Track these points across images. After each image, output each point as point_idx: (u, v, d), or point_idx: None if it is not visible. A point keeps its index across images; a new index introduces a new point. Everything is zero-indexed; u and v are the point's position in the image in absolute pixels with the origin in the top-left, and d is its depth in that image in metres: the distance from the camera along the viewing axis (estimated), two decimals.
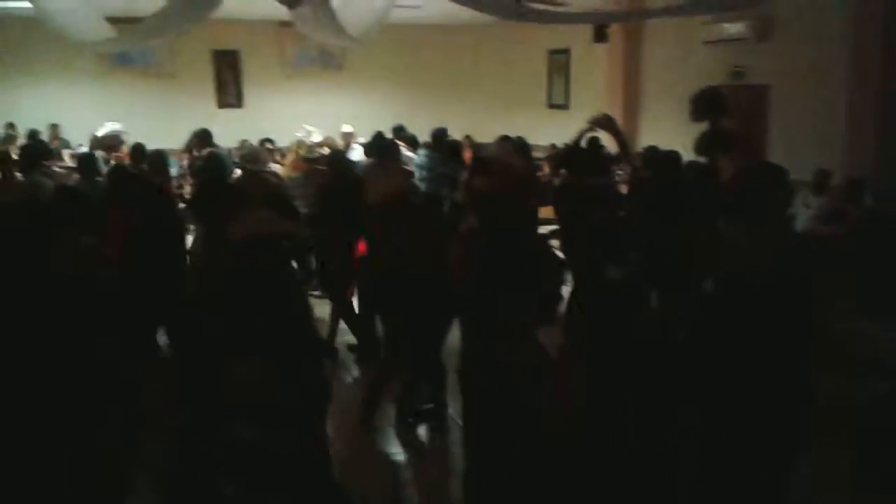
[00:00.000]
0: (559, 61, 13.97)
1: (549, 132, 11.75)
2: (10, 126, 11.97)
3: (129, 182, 5.68)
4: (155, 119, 12.38)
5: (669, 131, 10.48)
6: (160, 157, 7.62)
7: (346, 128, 10.81)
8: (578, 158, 5.97)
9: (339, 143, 10.56)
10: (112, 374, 3.17)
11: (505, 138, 8.74)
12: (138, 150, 8.25)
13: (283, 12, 6.71)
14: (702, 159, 8.36)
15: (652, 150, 7.85)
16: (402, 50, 14.48)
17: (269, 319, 3.07)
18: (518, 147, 8.29)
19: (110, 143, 9.41)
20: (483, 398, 3.40)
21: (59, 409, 2.95)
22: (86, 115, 12.07)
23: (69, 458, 2.97)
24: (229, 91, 14.54)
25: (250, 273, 3.16)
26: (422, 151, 8.93)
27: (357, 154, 9.95)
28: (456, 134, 10.33)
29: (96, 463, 3.07)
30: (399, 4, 7.73)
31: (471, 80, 15.02)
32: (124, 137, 9.72)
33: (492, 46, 14.73)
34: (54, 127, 12.06)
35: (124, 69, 13.55)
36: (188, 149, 9.58)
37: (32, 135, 11.15)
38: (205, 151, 8.26)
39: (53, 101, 12.64)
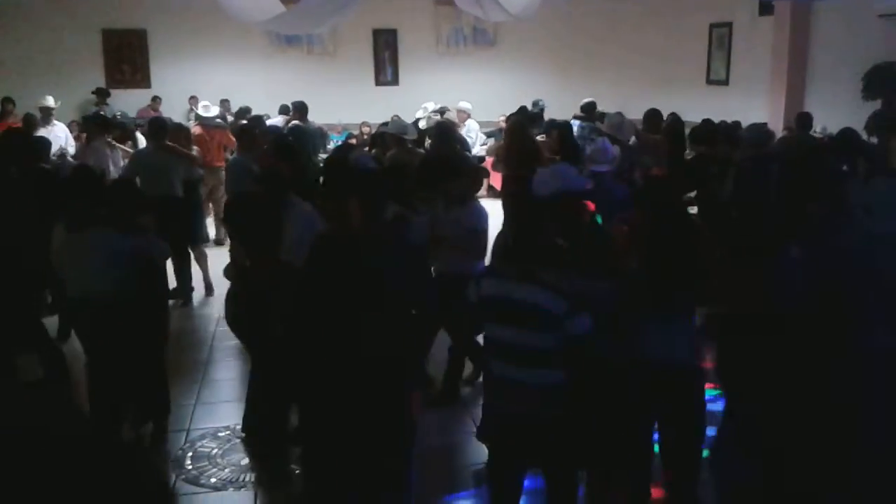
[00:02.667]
0: (720, 35, 13.43)
1: (706, 109, 11.36)
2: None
3: None
4: (317, 96, 12.95)
5: (839, 109, 9.89)
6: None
7: (463, 104, 11.00)
8: None
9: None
10: None
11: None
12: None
13: None
14: (873, 139, 7.93)
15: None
16: (556, 26, 14.36)
17: None
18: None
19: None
20: None
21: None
22: (256, 91, 12.86)
23: None
24: (386, 69, 15.00)
25: None
26: (575, 123, 9.17)
27: (473, 130, 10.31)
28: (609, 110, 10.18)
29: None
30: None
31: (626, 56, 14.70)
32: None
33: (649, 21, 14.35)
34: (224, 102, 12.88)
35: (292, 48, 14.30)
36: (287, 121, 10.21)
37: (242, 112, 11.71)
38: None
39: (228, 78, 13.50)
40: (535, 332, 3.15)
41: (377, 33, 14.75)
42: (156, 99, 13.21)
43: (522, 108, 8.85)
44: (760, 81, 12.02)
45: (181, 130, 8.24)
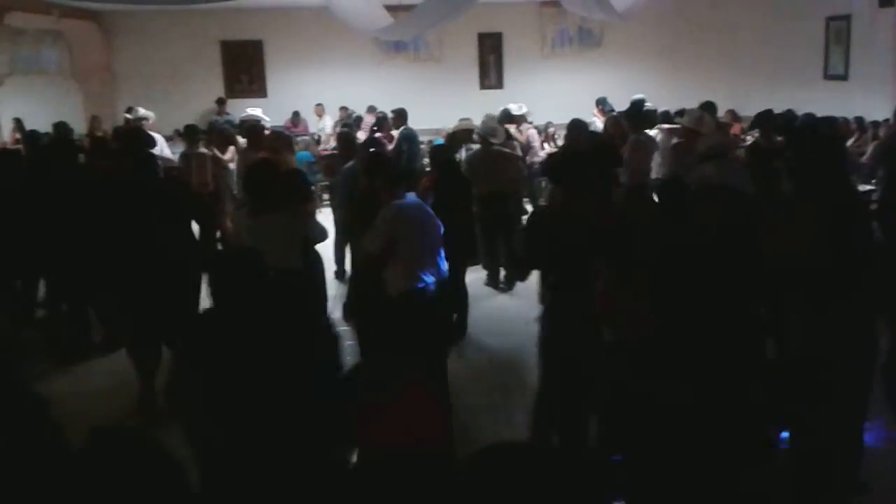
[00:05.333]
0: (838, 28, 12.90)
1: (824, 105, 10.95)
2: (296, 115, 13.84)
3: None
4: (423, 100, 13.19)
5: None
6: None
7: (513, 107, 10.84)
8: None
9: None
10: None
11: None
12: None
13: None
14: None
15: None
16: (664, 24, 14.13)
17: None
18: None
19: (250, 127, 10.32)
20: None
21: None
22: (365, 97, 13.22)
23: None
24: (491, 73, 15.12)
25: None
26: None
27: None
28: (720, 108, 9.92)
29: None
30: None
31: (738, 52, 14.30)
32: (264, 122, 10.53)
33: (762, 15, 13.93)
34: (343, 109, 13.31)
35: (399, 54, 14.63)
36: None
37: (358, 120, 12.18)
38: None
39: (338, 85, 13.95)
40: None
41: (482, 37, 14.89)
42: (296, 114, 13.77)
43: (636, 103, 8.68)
44: (882, 75, 11.49)
45: (281, 137, 8.44)
